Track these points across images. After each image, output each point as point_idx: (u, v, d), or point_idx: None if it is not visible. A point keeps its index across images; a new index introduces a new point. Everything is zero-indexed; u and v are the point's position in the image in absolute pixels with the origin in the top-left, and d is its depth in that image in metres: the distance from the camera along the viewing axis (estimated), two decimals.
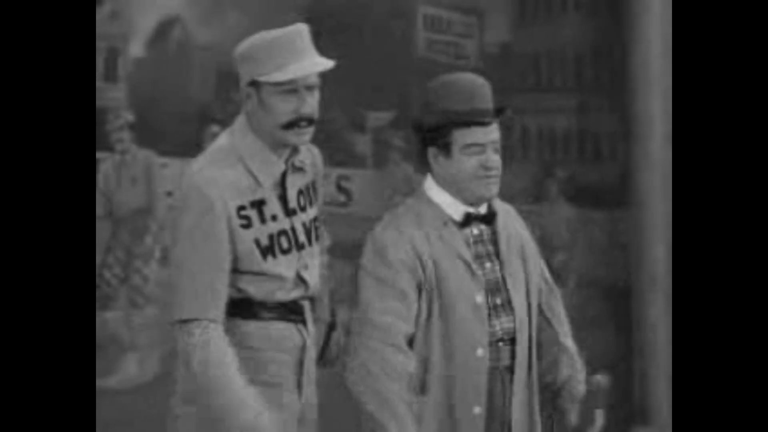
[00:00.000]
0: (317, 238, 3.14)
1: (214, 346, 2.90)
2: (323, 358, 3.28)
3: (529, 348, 3.24)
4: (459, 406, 3.14)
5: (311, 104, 3.04)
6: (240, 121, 3.08)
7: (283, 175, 3.06)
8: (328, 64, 3.05)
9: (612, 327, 6.37)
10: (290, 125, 3.03)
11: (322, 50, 3.17)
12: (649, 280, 6.05)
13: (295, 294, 3.07)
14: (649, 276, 6.05)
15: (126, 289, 6.72)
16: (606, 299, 6.33)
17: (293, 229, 3.05)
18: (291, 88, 3.02)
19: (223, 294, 2.96)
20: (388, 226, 3.19)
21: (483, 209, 3.25)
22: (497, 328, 3.19)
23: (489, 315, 3.18)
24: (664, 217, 5.96)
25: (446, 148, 3.18)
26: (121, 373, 6.58)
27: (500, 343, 3.19)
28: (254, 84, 3.03)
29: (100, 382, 5.70)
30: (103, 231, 6.36)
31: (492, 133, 3.18)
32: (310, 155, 3.17)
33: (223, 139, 3.08)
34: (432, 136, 3.19)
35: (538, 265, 3.34)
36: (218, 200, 2.94)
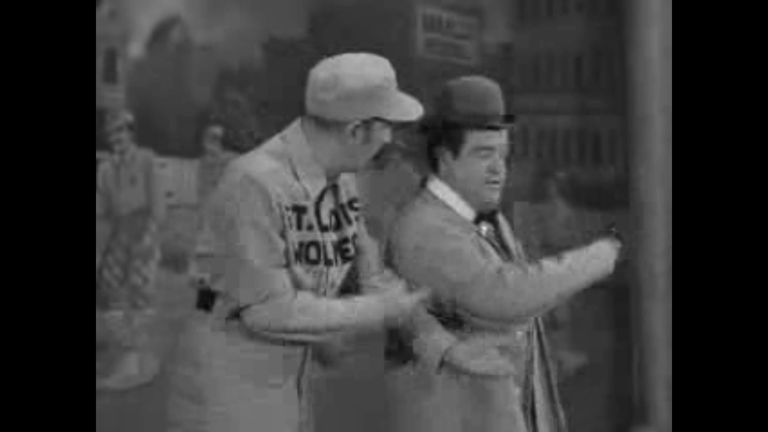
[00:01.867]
0: (348, 258, 3.15)
1: (315, 303, 3.01)
2: (324, 359, 3.29)
3: (537, 331, 3.37)
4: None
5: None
6: (297, 135, 3.09)
7: (323, 192, 3.08)
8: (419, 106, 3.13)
9: (611, 327, 6.37)
10: (377, 155, 3.11)
11: (322, 51, 3.18)
12: (648, 280, 6.06)
13: None
14: (648, 276, 6.05)
15: (125, 289, 6.72)
16: (605, 299, 6.33)
17: (324, 244, 3.08)
18: (391, 126, 3.09)
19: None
20: (422, 221, 3.24)
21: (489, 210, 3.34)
22: None
23: None
24: (664, 217, 5.96)
25: (454, 149, 3.25)
26: (120, 373, 6.58)
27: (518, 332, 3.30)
28: (371, 120, 3.05)
29: (99, 382, 5.70)
30: (102, 231, 6.36)
31: (502, 137, 3.27)
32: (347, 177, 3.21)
33: (276, 145, 3.09)
34: (443, 134, 3.26)
35: None
36: (274, 193, 2.99)
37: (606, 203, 6.54)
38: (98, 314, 6.28)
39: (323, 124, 3.05)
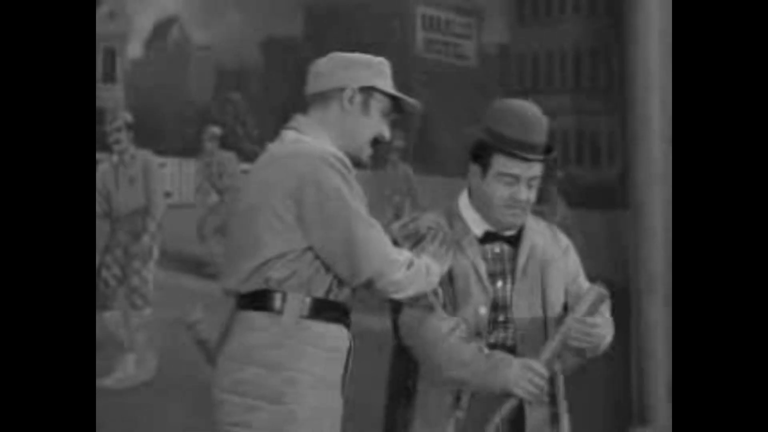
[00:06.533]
0: None
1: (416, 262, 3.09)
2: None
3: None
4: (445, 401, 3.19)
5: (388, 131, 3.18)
6: (309, 126, 3.12)
7: None
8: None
9: None
10: (374, 142, 3.15)
11: (321, 50, 3.20)
12: (648, 280, 6.05)
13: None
14: (648, 276, 6.05)
15: (124, 289, 6.72)
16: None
17: None
18: (388, 110, 3.14)
19: None
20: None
21: (509, 231, 3.26)
22: (492, 340, 3.21)
23: (488, 328, 3.21)
24: (663, 217, 5.96)
25: (484, 169, 3.20)
26: (119, 372, 6.59)
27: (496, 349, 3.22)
28: (368, 90, 3.10)
29: (98, 382, 5.70)
30: (101, 231, 6.37)
31: (531, 169, 3.17)
32: None
33: (305, 134, 3.12)
34: (476, 153, 3.21)
35: (562, 277, 3.34)
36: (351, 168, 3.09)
37: (605, 203, 6.54)
38: (97, 314, 6.28)
39: (323, 98, 3.11)
